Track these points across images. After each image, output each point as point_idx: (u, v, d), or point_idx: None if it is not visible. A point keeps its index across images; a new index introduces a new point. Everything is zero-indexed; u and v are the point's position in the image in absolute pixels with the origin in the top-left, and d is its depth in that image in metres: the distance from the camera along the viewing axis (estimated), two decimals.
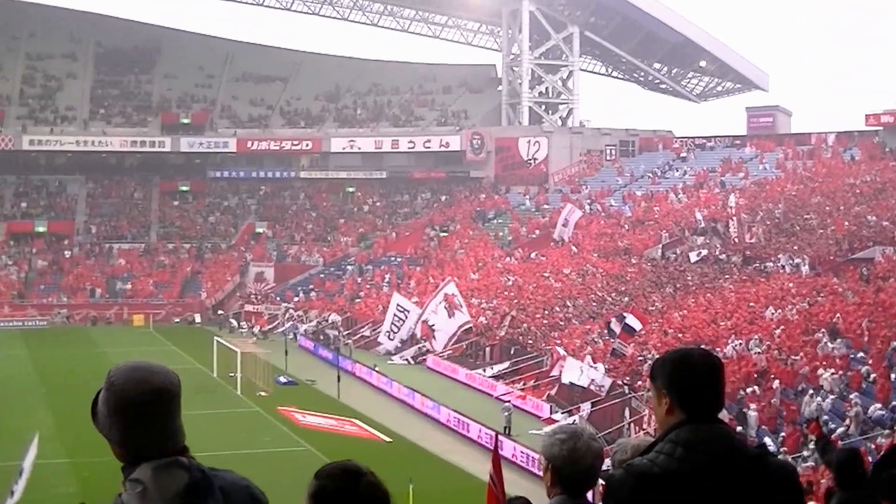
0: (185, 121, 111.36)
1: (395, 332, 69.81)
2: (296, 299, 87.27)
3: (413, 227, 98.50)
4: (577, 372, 49.23)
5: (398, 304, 70.23)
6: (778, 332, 47.23)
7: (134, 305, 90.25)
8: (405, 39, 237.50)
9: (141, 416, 3.70)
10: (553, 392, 51.83)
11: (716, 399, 4.22)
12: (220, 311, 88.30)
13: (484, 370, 59.65)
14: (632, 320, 51.05)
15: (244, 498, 3.78)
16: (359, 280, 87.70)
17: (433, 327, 66.49)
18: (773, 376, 41.97)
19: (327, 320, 78.44)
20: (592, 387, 47.94)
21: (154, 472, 3.64)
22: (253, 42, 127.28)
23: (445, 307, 66.02)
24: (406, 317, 69.24)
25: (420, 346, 68.33)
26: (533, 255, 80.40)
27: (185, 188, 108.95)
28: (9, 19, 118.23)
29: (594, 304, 63.77)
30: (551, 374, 52.98)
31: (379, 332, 72.22)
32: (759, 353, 44.96)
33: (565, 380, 49.84)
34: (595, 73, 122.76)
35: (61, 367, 64.50)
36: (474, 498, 34.98)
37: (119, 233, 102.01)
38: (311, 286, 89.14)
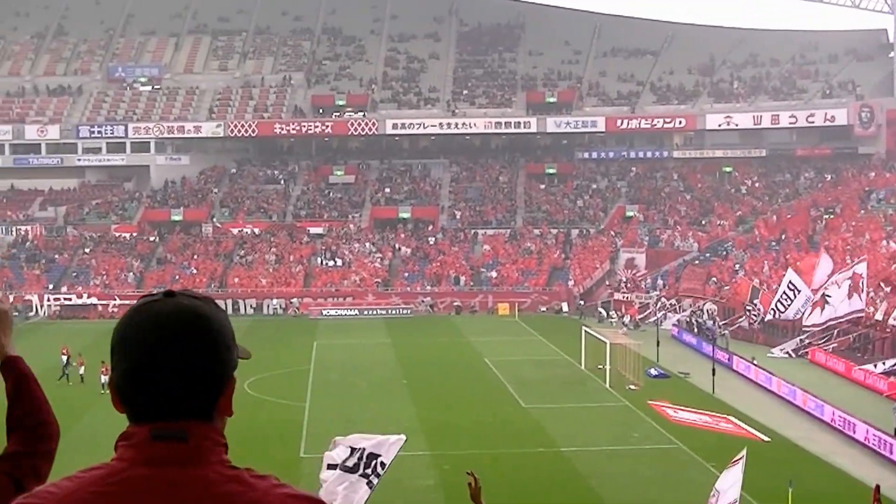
0: (551, 99, 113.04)
1: (780, 312, 68.71)
2: (661, 287, 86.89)
3: (796, 209, 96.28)
4: None
5: (790, 282, 68.80)
6: None
7: (499, 294, 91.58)
8: (784, 5, 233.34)
9: None
10: None
11: None
12: (581, 301, 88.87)
13: (874, 365, 58.08)
14: None
15: None
16: (735, 266, 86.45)
17: (828, 300, 64.70)
18: None
19: (702, 309, 77.96)
20: None
21: None
22: (622, 14, 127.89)
23: (850, 286, 64.31)
24: (795, 296, 67.83)
25: (801, 337, 67.17)
26: None
27: (551, 170, 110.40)
28: (372, 2, 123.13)
29: None
30: None
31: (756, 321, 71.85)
32: None
33: None
34: None
35: (424, 356, 66.97)
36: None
37: (484, 218, 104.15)
38: (685, 273, 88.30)
